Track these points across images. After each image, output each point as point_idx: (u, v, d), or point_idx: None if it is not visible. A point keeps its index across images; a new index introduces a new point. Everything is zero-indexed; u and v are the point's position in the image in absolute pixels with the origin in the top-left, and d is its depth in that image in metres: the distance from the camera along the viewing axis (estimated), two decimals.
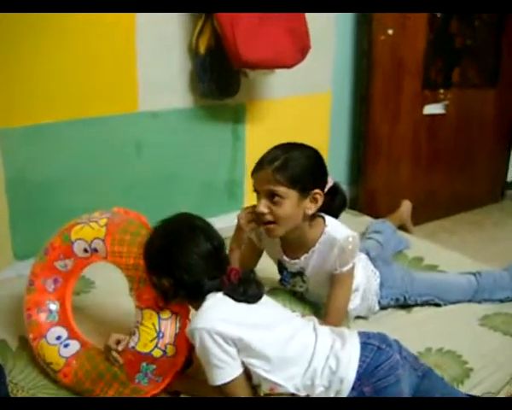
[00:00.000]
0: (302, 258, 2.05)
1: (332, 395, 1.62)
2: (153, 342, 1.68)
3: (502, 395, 1.87)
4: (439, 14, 3.65)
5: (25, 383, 1.84)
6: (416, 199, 3.71)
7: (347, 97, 3.73)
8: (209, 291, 1.65)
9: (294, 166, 1.90)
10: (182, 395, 1.76)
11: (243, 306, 1.65)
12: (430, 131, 3.82)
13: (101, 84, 2.73)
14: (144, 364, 1.68)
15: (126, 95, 2.84)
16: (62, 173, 2.73)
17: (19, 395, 1.78)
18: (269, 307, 1.74)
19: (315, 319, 1.79)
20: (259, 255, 2.26)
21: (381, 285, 2.24)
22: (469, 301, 2.35)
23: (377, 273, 2.25)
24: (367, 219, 3.14)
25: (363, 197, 3.73)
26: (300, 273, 2.10)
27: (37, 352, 1.86)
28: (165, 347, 1.68)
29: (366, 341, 1.68)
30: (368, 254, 2.34)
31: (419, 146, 3.82)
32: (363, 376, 1.61)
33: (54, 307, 1.88)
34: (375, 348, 1.66)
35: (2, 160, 2.55)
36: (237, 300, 1.64)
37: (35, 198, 2.67)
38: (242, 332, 1.58)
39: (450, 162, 3.98)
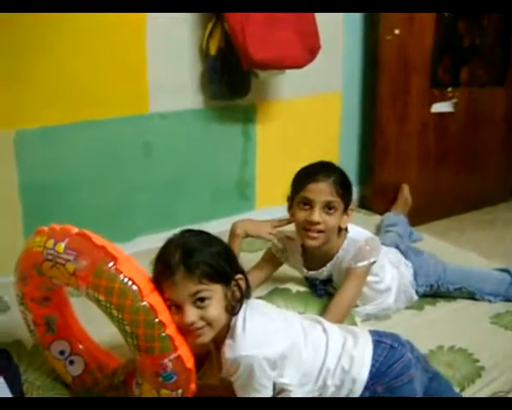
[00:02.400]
0: (328, 265, 2.13)
1: (344, 395, 1.62)
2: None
3: None
4: (446, 14, 3.65)
5: (40, 382, 1.84)
6: (424, 198, 3.72)
7: (357, 97, 3.73)
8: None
9: (346, 181, 2.08)
10: None
11: (271, 315, 1.65)
12: (438, 129, 3.82)
13: (113, 85, 2.76)
14: None
15: (137, 96, 2.86)
16: (74, 175, 2.76)
17: (34, 394, 1.79)
18: (284, 314, 1.75)
19: (321, 319, 1.80)
20: (275, 270, 2.33)
21: (416, 275, 2.31)
22: (504, 295, 2.36)
23: (409, 265, 2.32)
24: (377, 218, 3.16)
25: (373, 196, 3.74)
26: (330, 280, 2.18)
27: (46, 358, 1.85)
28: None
29: (378, 339, 1.69)
30: (398, 247, 2.41)
31: (427, 145, 3.82)
32: (376, 375, 1.62)
33: (51, 320, 1.79)
34: (387, 347, 1.66)
35: (15, 161, 2.58)
36: None
37: (48, 199, 2.69)
38: (282, 345, 1.57)
39: (458, 161, 3.97)
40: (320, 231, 2.04)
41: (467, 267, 2.46)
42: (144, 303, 1.48)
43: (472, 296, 2.36)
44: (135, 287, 1.49)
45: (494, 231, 3.85)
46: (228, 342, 1.55)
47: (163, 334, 1.48)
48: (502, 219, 4.03)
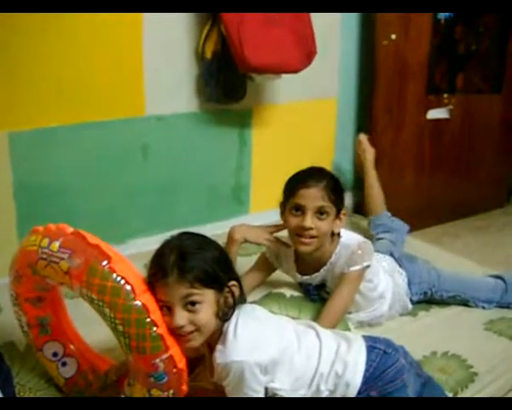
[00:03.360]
0: (321, 270, 2.13)
1: None
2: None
3: None
4: (442, 20, 3.66)
5: (32, 384, 1.84)
6: (419, 204, 3.73)
7: (353, 102, 3.73)
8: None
9: (338, 186, 2.09)
10: None
11: (263, 320, 1.64)
12: (434, 135, 3.82)
13: (109, 88, 2.75)
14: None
15: (133, 99, 2.85)
16: (69, 176, 2.74)
17: (26, 397, 1.78)
18: (277, 319, 1.75)
19: (314, 324, 1.79)
20: (269, 275, 2.34)
21: (410, 283, 2.31)
22: (498, 302, 2.37)
23: (404, 273, 2.33)
24: None
25: None
26: (323, 285, 2.18)
27: (38, 360, 1.85)
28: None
29: (372, 344, 1.68)
30: (392, 255, 2.41)
31: (423, 151, 3.82)
32: (369, 380, 1.61)
33: (45, 321, 1.79)
34: (381, 352, 1.65)
35: (10, 163, 2.57)
36: None
37: (42, 201, 2.68)
38: (274, 351, 1.57)
39: (454, 167, 3.98)
40: (312, 237, 2.04)
41: (461, 274, 2.46)
42: (136, 302, 1.49)
43: (465, 303, 2.36)
44: (128, 286, 1.49)
45: (489, 237, 3.86)
46: (219, 347, 1.55)
47: (154, 333, 1.48)
48: (497, 226, 4.04)
